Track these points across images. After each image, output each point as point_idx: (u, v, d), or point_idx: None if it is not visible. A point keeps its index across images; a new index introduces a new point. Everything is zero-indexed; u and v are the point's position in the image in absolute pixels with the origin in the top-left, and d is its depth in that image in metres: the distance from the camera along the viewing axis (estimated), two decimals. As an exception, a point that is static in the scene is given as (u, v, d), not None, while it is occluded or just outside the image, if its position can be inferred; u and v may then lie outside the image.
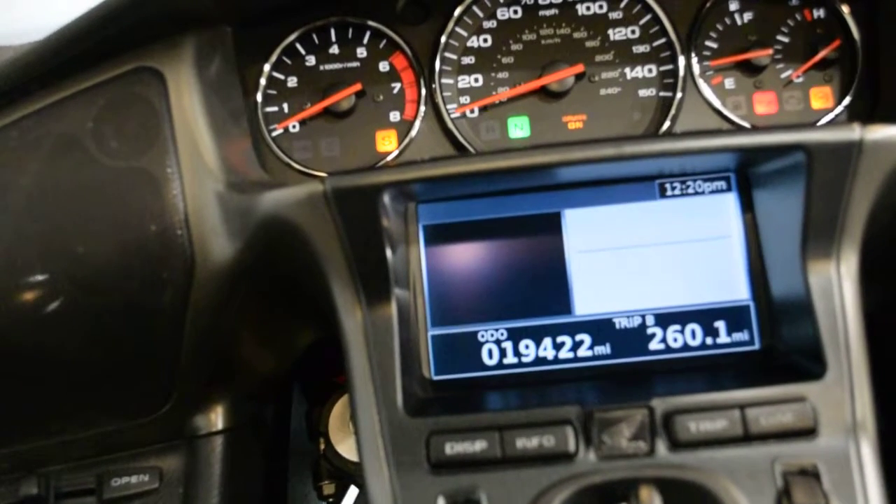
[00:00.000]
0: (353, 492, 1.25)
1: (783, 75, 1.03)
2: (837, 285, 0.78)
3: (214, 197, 0.85)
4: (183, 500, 0.95)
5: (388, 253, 0.80)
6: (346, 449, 1.12)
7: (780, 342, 0.84)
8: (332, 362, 1.00)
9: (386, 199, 0.79)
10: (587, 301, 0.87)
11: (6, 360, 0.90)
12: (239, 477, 0.98)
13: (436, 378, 0.86)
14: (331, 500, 1.17)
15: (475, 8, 1.04)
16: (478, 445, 0.75)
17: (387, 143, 1.03)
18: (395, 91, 1.05)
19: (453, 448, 0.75)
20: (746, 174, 0.87)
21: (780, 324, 0.84)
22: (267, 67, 1.04)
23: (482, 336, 0.87)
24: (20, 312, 0.87)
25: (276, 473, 1.16)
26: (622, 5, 1.04)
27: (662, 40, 1.03)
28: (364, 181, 0.78)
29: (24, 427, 0.95)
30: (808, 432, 0.74)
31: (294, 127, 1.05)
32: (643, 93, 1.03)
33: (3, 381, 0.92)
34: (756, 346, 0.85)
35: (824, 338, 0.76)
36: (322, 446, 1.12)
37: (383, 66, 1.05)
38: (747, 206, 0.87)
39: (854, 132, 0.76)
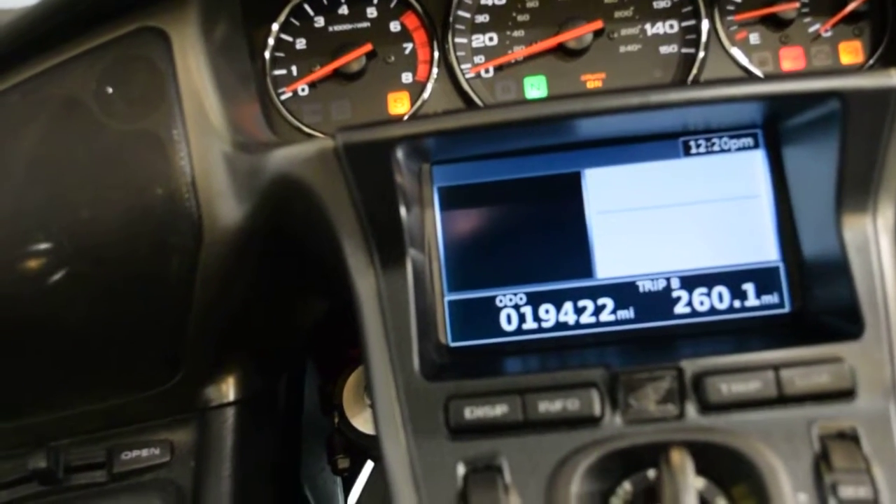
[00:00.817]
0: (368, 466, 1.23)
1: (811, 29, 0.99)
2: (874, 240, 0.74)
3: (222, 158, 0.82)
4: (194, 474, 0.93)
5: (403, 212, 0.77)
6: (361, 422, 1.09)
7: (811, 303, 0.81)
8: (346, 336, 0.97)
9: (399, 155, 0.76)
10: (609, 264, 0.84)
11: (11, 332, 0.88)
12: (251, 450, 0.96)
13: (453, 345, 0.83)
14: (346, 474, 1.15)
15: (489, -37, 1.01)
16: (498, 410, 0.72)
17: (399, 105, 1.01)
18: (407, 51, 1.02)
19: (473, 412, 0.72)
20: (775, 129, 0.84)
21: (813, 284, 0.81)
22: (275, 28, 1.02)
23: (500, 301, 0.84)
24: (24, 282, 0.85)
25: (289, 447, 1.14)
26: (642, -42, 1.00)
27: (684, -6, 1.00)
28: (376, 135, 0.75)
29: (31, 400, 0.93)
30: (846, 394, 0.71)
31: (303, 90, 1.02)
32: (664, 49, 1.00)
33: (9, 353, 0.90)
34: (786, 309, 0.82)
35: (861, 295, 0.73)
36: (336, 420, 1.10)
37: (394, 26, 1.02)
38: (776, 163, 0.83)
39: (892, 78, 0.72)
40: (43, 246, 0.84)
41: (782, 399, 0.71)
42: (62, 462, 0.92)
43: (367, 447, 1.08)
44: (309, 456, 1.19)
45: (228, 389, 0.95)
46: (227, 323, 0.90)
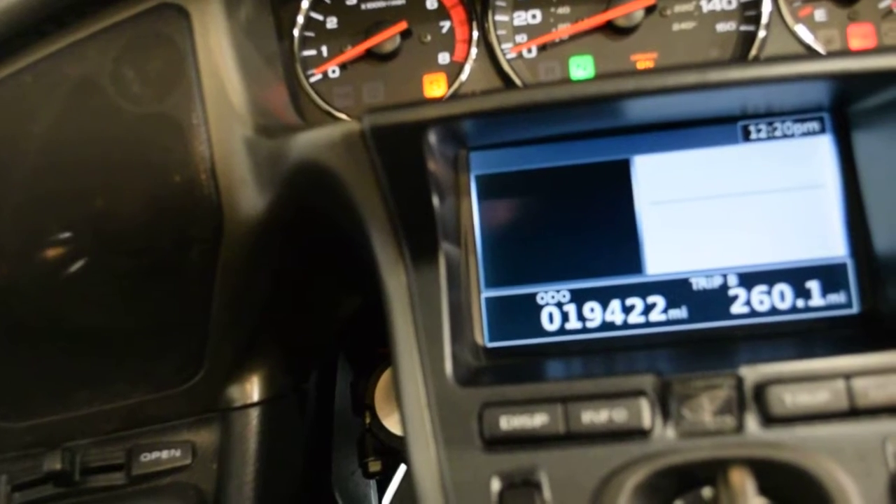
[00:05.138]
0: (401, 469, 1.19)
1: (882, 5, 0.92)
2: (958, 235, 0.68)
3: (243, 143, 0.79)
4: (217, 477, 0.89)
5: (435, 202, 0.72)
6: (394, 423, 1.05)
7: (883, 304, 0.75)
8: (379, 331, 0.93)
9: (432, 139, 0.71)
10: (660, 259, 0.79)
11: (27, 326, 0.86)
12: (277, 452, 0.93)
13: (489, 345, 0.79)
14: (377, 477, 1.10)
15: (532, -65, 0.96)
16: (538, 419, 0.67)
17: (435, 87, 0.95)
18: (445, 30, 0.97)
19: (510, 422, 0.67)
20: (843, 113, 0.78)
21: (885, 283, 0.75)
22: (304, 6, 0.97)
23: (542, 298, 0.79)
24: (39, 273, 0.83)
25: (317, 449, 1.11)
26: (697, -71, 0.94)
27: (743, -33, 0.93)
28: (407, 117, 0.70)
29: (46, 398, 0.91)
30: (927, 407, 0.65)
31: (334, 72, 0.97)
32: (721, 27, 0.93)
33: (25, 348, 0.88)
34: (854, 310, 0.77)
35: (944, 297, 0.67)
36: (368, 420, 1.06)
37: (431, 3, 0.97)
38: (844, 149, 0.78)
39: (981, 56, 0.65)
40: (57, 236, 0.82)
41: (854, 412, 0.65)
42: (79, 463, 0.88)
43: (401, 450, 1.04)
44: (340, 457, 1.15)
45: (253, 389, 0.91)
46: (251, 318, 0.87)
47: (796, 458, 0.63)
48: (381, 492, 1.27)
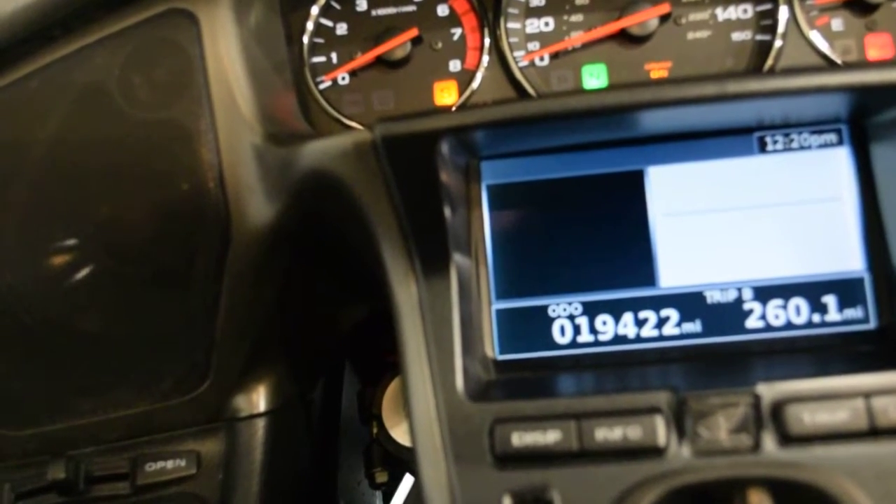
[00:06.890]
0: (408, 480, 1.17)
1: (900, 14, 0.91)
2: (979, 251, 0.67)
3: (251, 151, 0.78)
4: (222, 488, 0.88)
5: (447, 213, 0.71)
6: (402, 434, 1.04)
7: None
8: (387, 338, 0.93)
9: (444, 149, 0.70)
10: (674, 272, 0.77)
11: (32, 333, 0.85)
12: (283, 462, 0.92)
13: (500, 358, 0.78)
14: (384, 488, 1.09)
15: (545, -59, 0.95)
16: (550, 436, 0.66)
17: (446, 95, 0.95)
18: (456, 37, 0.96)
19: (521, 439, 0.66)
20: (861, 125, 0.76)
21: None
22: (314, 12, 0.96)
23: (553, 310, 0.78)
24: (45, 281, 0.83)
25: (324, 459, 1.09)
26: (713, -63, 0.93)
27: (759, -25, 0.92)
28: (419, 127, 0.69)
29: (52, 406, 0.90)
30: (948, 427, 0.63)
31: (343, 78, 0.96)
32: (737, 36, 0.92)
33: (29, 356, 0.87)
34: (871, 325, 0.75)
35: (964, 314, 0.66)
36: (375, 430, 1.04)
37: (442, 10, 0.96)
38: (862, 162, 0.76)
39: None
40: (63, 242, 0.82)
41: (874, 432, 0.63)
42: (83, 472, 0.87)
43: (408, 461, 1.03)
44: (346, 467, 1.14)
45: (259, 399, 0.90)
46: (258, 327, 0.86)
47: (815, 478, 0.62)
48: (387, 502, 1.26)
